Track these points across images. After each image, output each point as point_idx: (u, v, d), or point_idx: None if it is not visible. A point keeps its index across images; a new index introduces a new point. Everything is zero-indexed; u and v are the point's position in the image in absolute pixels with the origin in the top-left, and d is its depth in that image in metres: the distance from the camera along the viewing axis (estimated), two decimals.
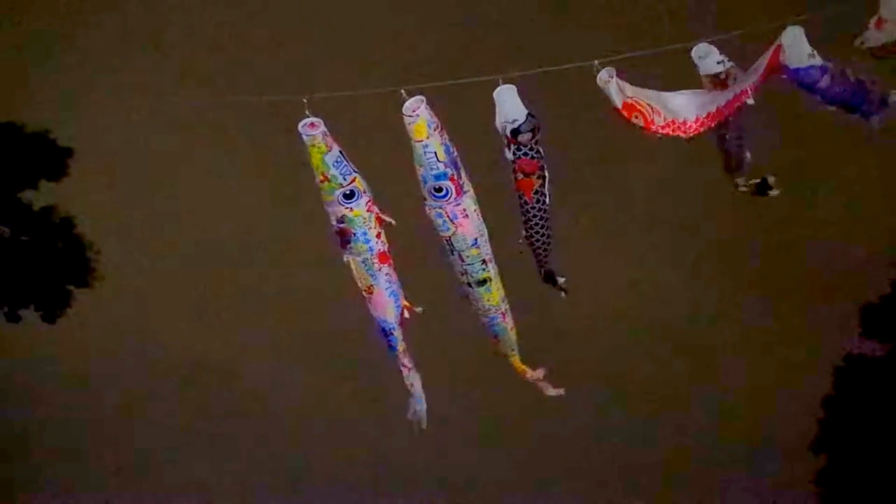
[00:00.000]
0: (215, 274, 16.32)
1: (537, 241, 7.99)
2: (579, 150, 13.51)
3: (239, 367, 16.09)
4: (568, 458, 15.83)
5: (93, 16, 16.13)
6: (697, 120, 7.66)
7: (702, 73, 7.94)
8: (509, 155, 7.67)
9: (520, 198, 7.84)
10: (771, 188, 8.79)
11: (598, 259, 15.51)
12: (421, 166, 7.61)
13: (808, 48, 7.69)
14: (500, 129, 7.63)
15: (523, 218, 7.91)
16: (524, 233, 7.99)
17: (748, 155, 8.59)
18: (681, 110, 7.56)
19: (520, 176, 7.72)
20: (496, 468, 15.93)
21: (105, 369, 15.97)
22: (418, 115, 7.41)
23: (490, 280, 8.07)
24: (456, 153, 7.65)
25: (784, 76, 7.74)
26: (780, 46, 7.64)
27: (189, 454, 15.86)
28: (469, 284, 8.06)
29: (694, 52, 7.91)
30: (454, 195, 7.67)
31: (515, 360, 8.54)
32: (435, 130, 7.50)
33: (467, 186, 7.72)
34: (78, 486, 15.83)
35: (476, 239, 7.86)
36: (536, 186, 7.75)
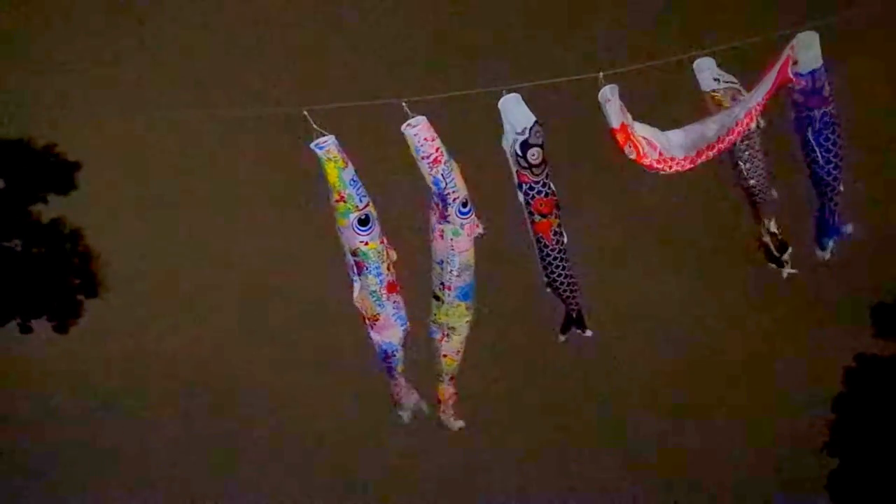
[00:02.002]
0: (222, 284, 16.34)
1: (561, 283, 7.68)
2: (584, 165, 13.45)
3: (246, 377, 16.08)
4: (576, 463, 15.79)
5: (97, 31, 16.18)
6: (699, 154, 7.48)
7: (702, 88, 7.83)
8: (521, 197, 7.40)
9: (538, 241, 7.54)
10: (783, 260, 8.47)
11: (607, 271, 15.48)
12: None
13: (818, 52, 7.55)
14: (508, 151, 7.42)
15: (543, 263, 7.61)
16: (545, 279, 7.69)
17: (773, 192, 8.29)
18: (679, 146, 7.38)
19: (537, 218, 7.45)
20: (506, 476, 15.88)
21: (110, 378, 16.00)
22: (406, 136, 7.22)
23: (441, 301, 7.78)
24: (448, 189, 7.40)
25: (794, 84, 7.57)
26: (788, 58, 7.49)
27: (196, 463, 15.86)
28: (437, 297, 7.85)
29: (696, 65, 7.80)
30: (438, 215, 7.46)
31: (439, 387, 8.23)
32: (423, 159, 7.29)
33: (452, 219, 7.44)
34: (83, 493, 15.85)
35: (441, 261, 7.61)
36: (555, 226, 7.46)
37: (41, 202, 15.14)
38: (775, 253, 8.39)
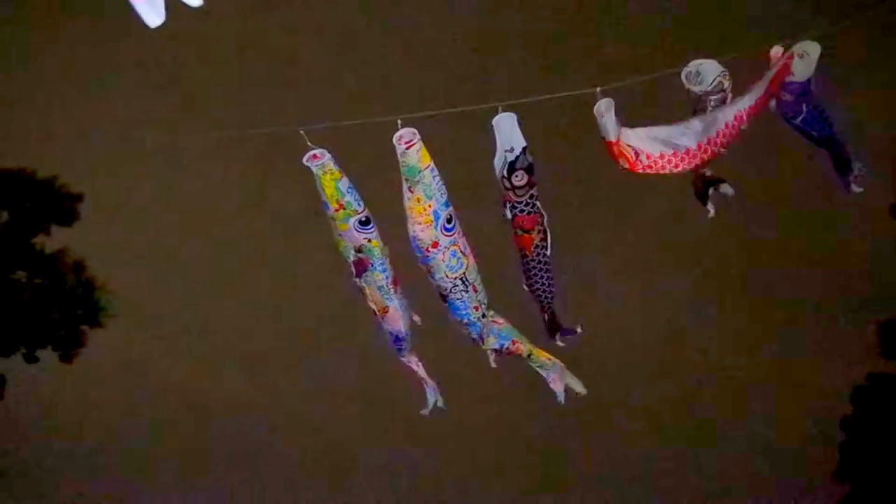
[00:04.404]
0: (227, 310, 16.35)
1: (538, 288, 7.86)
2: (582, 182, 13.47)
3: (251, 404, 16.07)
4: (575, 473, 15.73)
5: (96, 59, 16.29)
6: (699, 146, 7.50)
7: (695, 91, 7.77)
8: (507, 213, 7.53)
9: (520, 251, 7.72)
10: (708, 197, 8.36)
11: (608, 280, 15.49)
12: (431, 198, 7.38)
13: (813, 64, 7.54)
14: (497, 170, 7.48)
15: (524, 268, 7.81)
16: (525, 280, 7.88)
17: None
18: (677, 139, 7.41)
19: (519, 232, 7.60)
20: (509, 488, 15.81)
21: (114, 405, 16.01)
22: (420, 139, 7.21)
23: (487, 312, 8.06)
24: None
25: (785, 91, 7.56)
26: (786, 65, 7.47)
27: (204, 496, 15.81)
28: (484, 315, 7.89)
29: (683, 75, 7.76)
30: (456, 223, 7.54)
31: (538, 350, 8.17)
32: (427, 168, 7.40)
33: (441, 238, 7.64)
34: None
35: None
36: (536, 241, 7.61)
37: (44, 234, 15.22)
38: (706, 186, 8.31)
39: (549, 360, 8.14)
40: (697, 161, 7.42)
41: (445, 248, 7.46)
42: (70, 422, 15.99)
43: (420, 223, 7.40)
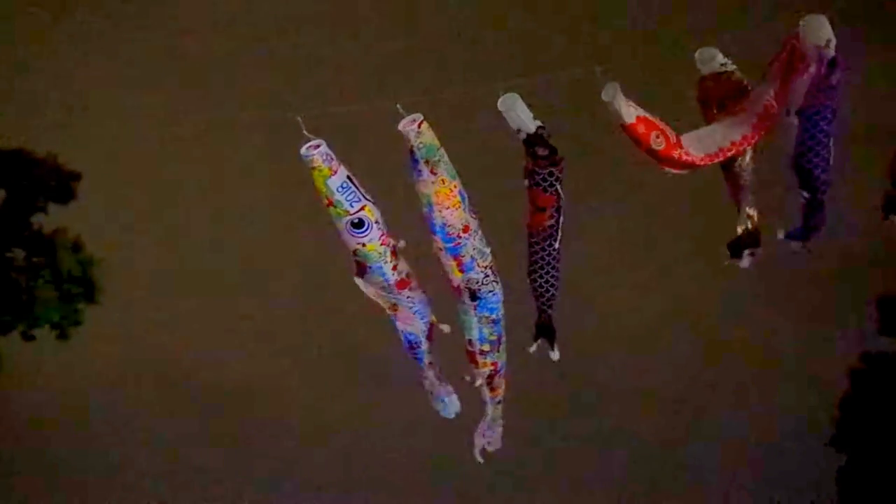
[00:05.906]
0: (223, 289, 16.36)
1: (538, 282, 7.44)
2: (584, 162, 13.35)
3: (248, 380, 16.08)
4: (576, 461, 15.76)
5: (96, 40, 16.25)
6: (721, 151, 7.32)
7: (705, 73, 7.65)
8: (525, 182, 7.09)
9: (528, 231, 7.27)
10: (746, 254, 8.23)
11: (608, 269, 15.48)
12: (454, 178, 6.96)
13: (828, 34, 7.30)
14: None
15: (528, 256, 7.36)
16: (528, 268, 7.42)
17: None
18: (699, 146, 7.21)
19: (531, 208, 7.15)
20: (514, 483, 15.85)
21: (111, 382, 16.03)
22: (425, 122, 6.78)
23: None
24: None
25: (802, 68, 7.30)
26: (797, 35, 7.23)
27: (203, 478, 15.84)
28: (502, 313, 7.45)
29: (698, 56, 7.64)
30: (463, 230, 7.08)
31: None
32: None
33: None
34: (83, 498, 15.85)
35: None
36: (547, 225, 7.17)
37: (41, 212, 15.21)
38: (742, 243, 8.20)
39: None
40: (730, 154, 7.27)
41: (475, 231, 7.00)
42: (68, 397, 16.02)
43: (448, 206, 6.92)
